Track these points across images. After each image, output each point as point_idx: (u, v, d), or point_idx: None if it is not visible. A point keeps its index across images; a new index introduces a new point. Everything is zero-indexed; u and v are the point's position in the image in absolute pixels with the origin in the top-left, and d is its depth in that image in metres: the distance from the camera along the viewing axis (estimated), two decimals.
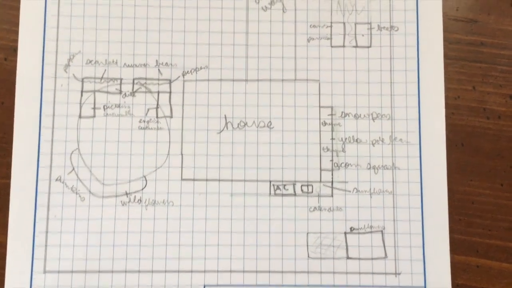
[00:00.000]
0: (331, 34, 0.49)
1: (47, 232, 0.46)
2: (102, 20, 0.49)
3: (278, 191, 0.48)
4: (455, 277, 0.47)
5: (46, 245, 0.46)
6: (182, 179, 0.47)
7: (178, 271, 0.46)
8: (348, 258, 0.47)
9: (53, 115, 0.47)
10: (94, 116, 0.48)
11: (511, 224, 0.48)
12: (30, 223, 0.46)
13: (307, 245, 0.47)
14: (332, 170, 0.48)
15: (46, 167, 0.47)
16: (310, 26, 0.49)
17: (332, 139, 0.48)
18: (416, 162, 0.48)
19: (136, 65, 0.48)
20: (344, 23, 0.49)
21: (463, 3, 0.50)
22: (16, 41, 0.48)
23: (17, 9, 0.48)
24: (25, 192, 0.47)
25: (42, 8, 0.48)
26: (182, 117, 0.48)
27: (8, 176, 0.47)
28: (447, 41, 0.50)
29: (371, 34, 0.49)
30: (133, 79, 0.48)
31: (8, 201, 0.47)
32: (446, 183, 0.48)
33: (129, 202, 0.47)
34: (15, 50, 0.48)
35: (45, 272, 0.46)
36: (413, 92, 0.49)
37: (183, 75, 0.48)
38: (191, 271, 0.46)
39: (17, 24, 0.48)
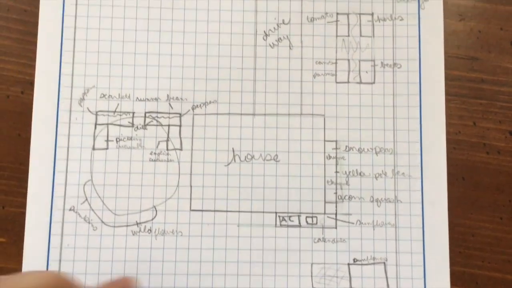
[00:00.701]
0: (336, 71, 0.51)
1: (60, 260, 0.48)
2: (116, 56, 0.51)
3: (283, 222, 0.49)
4: None
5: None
6: (191, 210, 0.49)
7: None
8: None
9: (68, 147, 0.49)
10: (107, 148, 0.49)
11: (510, 257, 0.49)
12: (44, 252, 0.48)
13: (312, 276, 0.48)
14: (336, 202, 0.49)
15: (60, 197, 0.49)
16: (316, 62, 0.51)
17: (336, 172, 0.50)
18: (418, 196, 0.49)
19: (148, 99, 0.50)
20: (348, 60, 0.51)
21: (464, 41, 0.52)
22: (33, 75, 0.50)
23: (34, 44, 0.50)
24: (39, 221, 0.48)
25: (58, 44, 0.50)
26: (192, 150, 0.50)
27: (23, 206, 0.49)
28: (448, 78, 0.51)
29: (374, 71, 0.51)
30: (145, 113, 0.50)
31: (23, 230, 0.48)
32: (447, 216, 0.49)
33: (139, 231, 0.49)
34: (31, 83, 0.50)
35: None
36: (415, 127, 0.50)
37: (193, 109, 0.50)
38: None
39: (34, 59, 0.50)
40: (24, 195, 0.49)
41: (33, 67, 0.50)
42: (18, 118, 0.50)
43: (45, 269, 0.48)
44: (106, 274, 0.48)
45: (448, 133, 0.51)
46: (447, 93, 0.51)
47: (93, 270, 0.48)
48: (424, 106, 0.50)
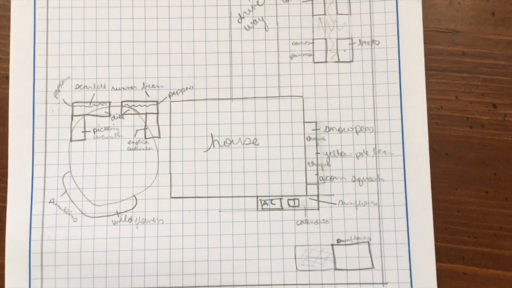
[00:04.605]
0: (313, 50, 0.50)
1: (42, 253, 0.48)
2: (90, 46, 0.50)
3: (265, 206, 0.49)
4: (442, 285, 0.48)
5: (42, 265, 0.48)
6: (171, 197, 0.49)
7: (170, 287, 0.47)
8: (335, 269, 0.48)
9: (45, 139, 0.49)
10: (84, 139, 0.49)
11: (497, 231, 0.49)
12: (26, 245, 0.48)
13: (295, 258, 0.48)
14: (318, 183, 0.49)
15: (40, 190, 0.48)
16: (292, 43, 0.50)
17: (317, 153, 0.49)
18: (400, 173, 0.49)
19: (123, 88, 0.50)
20: (325, 39, 0.50)
21: (444, 14, 0.51)
22: (7, 69, 0.50)
23: (7, 38, 0.50)
24: (20, 215, 0.48)
25: (31, 36, 0.50)
26: (170, 137, 0.49)
27: (4, 200, 0.49)
28: (429, 53, 0.50)
29: (352, 49, 0.50)
30: (121, 102, 0.50)
31: (4, 224, 0.48)
32: (430, 192, 0.48)
33: (120, 221, 0.48)
34: (7, 78, 0.50)
35: None
36: (395, 104, 0.49)
37: (170, 96, 0.50)
38: (182, 287, 0.47)
39: (7, 53, 0.50)
40: (4, 189, 0.49)
41: (7, 61, 0.50)
42: None
43: (27, 262, 0.48)
44: (88, 265, 0.48)
45: (430, 108, 0.50)
46: (428, 68, 0.50)
47: (75, 261, 0.48)
48: (404, 82, 0.50)
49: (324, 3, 0.51)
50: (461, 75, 0.50)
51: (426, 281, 0.47)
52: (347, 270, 0.48)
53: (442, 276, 0.48)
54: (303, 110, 0.50)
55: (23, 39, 0.50)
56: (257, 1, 0.51)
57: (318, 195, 0.49)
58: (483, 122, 0.50)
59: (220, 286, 0.48)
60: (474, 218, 0.49)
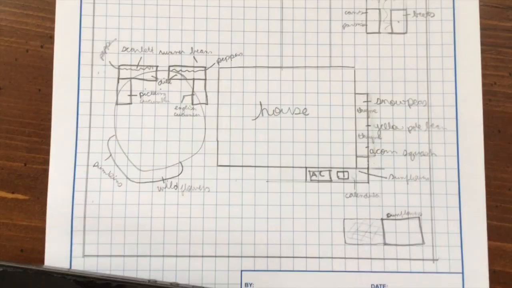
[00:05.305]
0: (366, 21, 0.49)
1: (84, 217, 0.47)
2: (137, 8, 0.49)
3: (314, 178, 0.48)
4: (492, 263, 0.47)
5: (84, 230, 0.46)
6: (218, 165, 0.48)
7: (215, 256, 0.46)
8: (385, 244, 0.47)
9: (90, 102, 0.48)
10: (130, 103, 0.48)
11: None
12: (68, 208, 0.47)
13: (344, 231, 0.47)
14: (368, 156, 0.48)
15: (84, 153, 0.47)
16: (345, 12, 0.49)
17: (368, 125, 0.48)
18: (453, 149, 0.48)
19: (171, 53, 0.49)
20: (379, 10, 0.49)
21: None
22: (52, 28, 0.49)
23: None
24: (63, 178, 0.47)
25: None
26: (218, 104, 0.48)
27: (46, 163, 0.47)
28: (483, 28, 0.49)
29: (406, 20, 0.49)
30: (169, 67, 0.48)
31: (46, 187, 0.47)
32: (483, 169, 0.47)
33: (165, 187, 0.47)
34: (51, 37, 0.48)
35: (83, 256, 0.46)
36: (449, 78, 0.48)
37: (218, 62, 0.49)
38: (228, 256, 0.46)
39: (53, 12, 0.49)
40: (46, 151, 0.47)
41: (52, 20, 0.49)
42: (38, 73, 0.49)
43: (69, 227, 0.46)
44: (132, 231, 0.46)
45: (483, 84, 0.49)
46: (482, 43, 0.49)
47: (119, 227, 0.47)
48: (459, 56, 0.49)
49: None
50: None
51: (477, 258, 0.46)
52: (396, 245, 0.47)
53: (491, 254, 0.47)
54: (354, 81, 0.49)
55: None
56: None
57: (368, 168, 0.48)
58: None
59: (267, 257, 0.47)
60: None
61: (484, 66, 0.49)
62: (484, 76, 0.49)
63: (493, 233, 0.47)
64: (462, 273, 0.46)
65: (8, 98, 0.48)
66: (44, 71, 0.48)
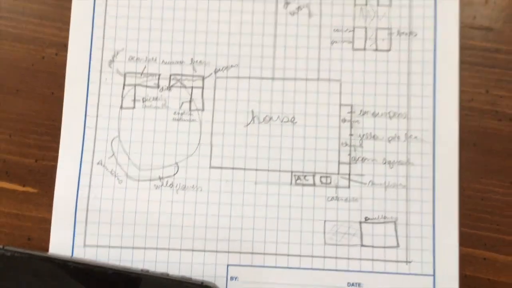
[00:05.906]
0: (353, 38, 0.53)
1: (87, 210, 0.51)
2: (144, 21, 0.54)
3: (298, 181, 0.51)
4: (462, 269, 0.50)
5: (86, 222, 0.51)
6: (210, 167, 0.52)
7: (204, 251, 0.50)
8: (362, 245, 0.50)
9: (98, 105, 0.52)
10: (134, 107, 0.52)
11: None
12: (73, 202, 0.51)
13: (324, 232, 0.51)
14: (350, 163, 0.51)
15: (89, 152, 0.52)
16: (334, 30, 0.53)
17: (351, 135, 0.52)
18: (429, 159, 0.51)
19: (173, 62, 0.53)
20: (365, 28, 0.53)
21: (479, 12, 0.54)
22: (66, 38, 0.53)
23: (68, 9, 0.54)
24: (69, 174, 0.52)
25: (91, 8, 0.53)
26: (213, 111, 0.52)
27: (55, 159, 0.52)
28: (463, 48, 0.53)
29: (391, 38, 0.53)
30: (170, 75, 0.53)
31: (54, 182, 0.52)
32: (457, 179, 0.51)
33: (161, 186, 0.51)
34: (65, 45, 0.53)
35: (85, 246, 0.51)
36: (428, 93, 0.52)
37: (215, 72, 0.53)
38: (216, 251, 0.50)
39: (68, 23, 0.54)
40: (56, 149, 0.52)
41: (67, 30, 0.54)
42: (52, 78, 0.53)
43: (73, 218, 0.51)
44: (129, 224, 0.51)
45: (461, 100, 0.52)
46: (462, 62, 0.53)
47: (118, 220, 0.51)
48: (438, 73, 0.52)
49: None
50: (493, 70, 0.53)
51: (448, 262, 0.50)
52: (373, 247, 0.50)
53: (464, 259, 0.50)
54: (340, 93, 0.52)
55: (83, 11, 0.53)
56: None
57: (349, 174, 0.51)
58: (511, 116, 0.52)
59: (252, 253, 0.50)
60: (498, 207, 0.51)
61: (463, 83, 0.52)
62: (462, 92, 0.52)
63: (465, 240, 0.51)
64: (434, 275, 0.50)
65: (24, 100, 0.53)
66: (57, 76, 0.53)
